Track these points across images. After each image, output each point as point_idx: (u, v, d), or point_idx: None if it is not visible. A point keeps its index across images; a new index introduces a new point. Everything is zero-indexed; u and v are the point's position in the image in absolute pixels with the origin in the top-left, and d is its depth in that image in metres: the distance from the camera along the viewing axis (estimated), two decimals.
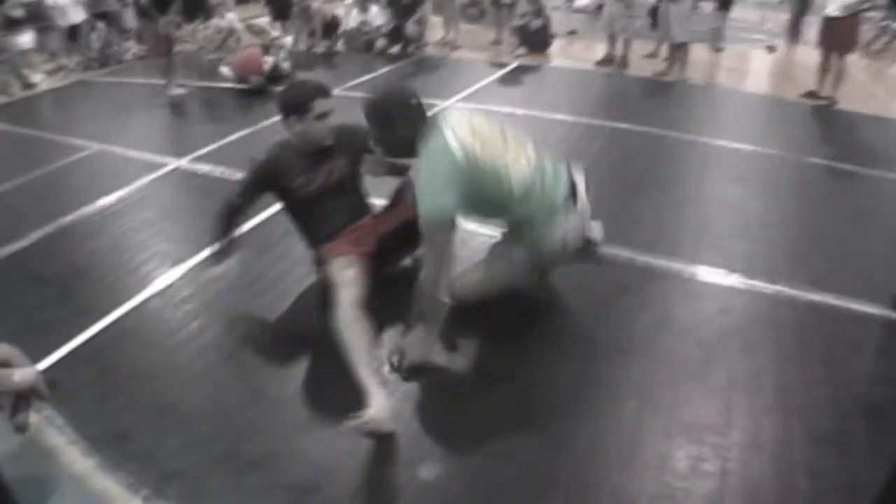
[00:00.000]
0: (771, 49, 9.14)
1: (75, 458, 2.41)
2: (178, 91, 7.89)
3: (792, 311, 3.05)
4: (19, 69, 8.96)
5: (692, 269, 3.37)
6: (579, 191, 2.84)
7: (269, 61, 7.79)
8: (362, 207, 3.24)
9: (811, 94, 6.49)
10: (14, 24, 8.76)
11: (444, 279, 2.57)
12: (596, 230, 3.18)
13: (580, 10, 12.75)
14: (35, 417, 2.62)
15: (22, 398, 0.84)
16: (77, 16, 9.72)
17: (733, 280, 3.28)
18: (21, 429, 0.86)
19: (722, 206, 4.10)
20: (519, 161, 2.66)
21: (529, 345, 2.87)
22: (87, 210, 4.54)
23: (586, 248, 2.99)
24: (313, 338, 2.96)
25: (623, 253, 3.51)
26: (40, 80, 9.22)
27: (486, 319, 3.01)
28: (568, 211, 2.74)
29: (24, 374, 0.79)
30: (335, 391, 2.62)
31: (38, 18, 9.25)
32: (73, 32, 9.76)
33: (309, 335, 3.01)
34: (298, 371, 2.80)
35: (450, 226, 2.51)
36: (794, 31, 9.49)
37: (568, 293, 3.19)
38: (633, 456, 2.29)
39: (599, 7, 11.74)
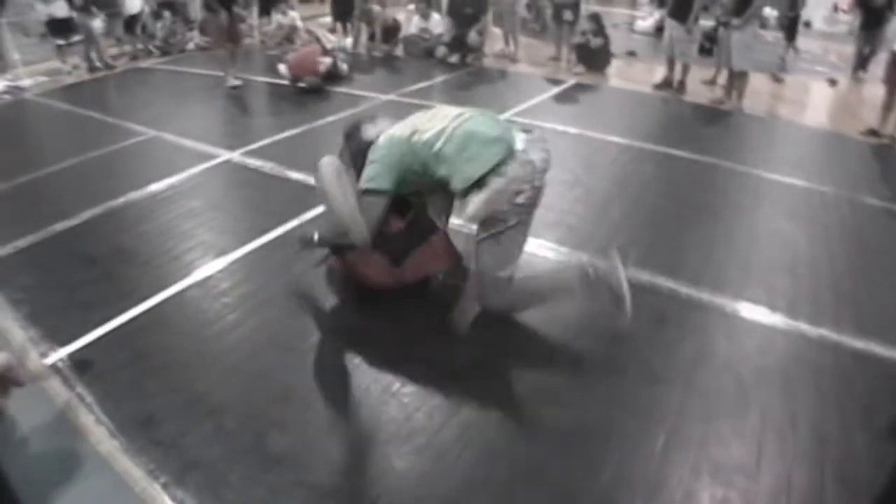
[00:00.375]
0: (833, 82, 8.90)
1: (102, 438, 2.45)
2: (234, 83, 8.04)
3: (834, 356, 2.94)
4: (99, 47, 9.35)
5: (735, 305, 3.28)
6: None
7: (325, 62, 7.87)
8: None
9: (872, 132, 6.29)
10: (89, 8, 9.08)
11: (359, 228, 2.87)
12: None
13: (641, 33, 12.62)
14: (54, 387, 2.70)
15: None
16: (135, 6, 9.99)
17: (776, 319, 3.19)
18: None
19: (770, 241, 4.00)
20: (430, 127, 2.92)
21: (564, 367, 2.84)
22: (137, 194, 4.65)
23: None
24: (348, 341, 3.00)
25: (666, 283, 3.44)
26: (112, 62, 9.49)
27: (524, 340, 3.01)
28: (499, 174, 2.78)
29: None
30: (364, 396, 2.64)
31: (108, 4, 9.54)
32: (131, 22, 10.01)
33: (344, 339, 3.03)
34: (329, 373, 2.81)
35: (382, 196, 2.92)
36: (859, 65, 9.25)
37: (607, 319, 3.13)
38: (658, 489, 2.23)
39: (660, 30, 11.67)
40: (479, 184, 2.76)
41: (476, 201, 2.78)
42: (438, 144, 2.84)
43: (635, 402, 2.63)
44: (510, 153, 2.78)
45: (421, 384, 2.72)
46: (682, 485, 2.24)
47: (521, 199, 2.79)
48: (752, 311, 3.24)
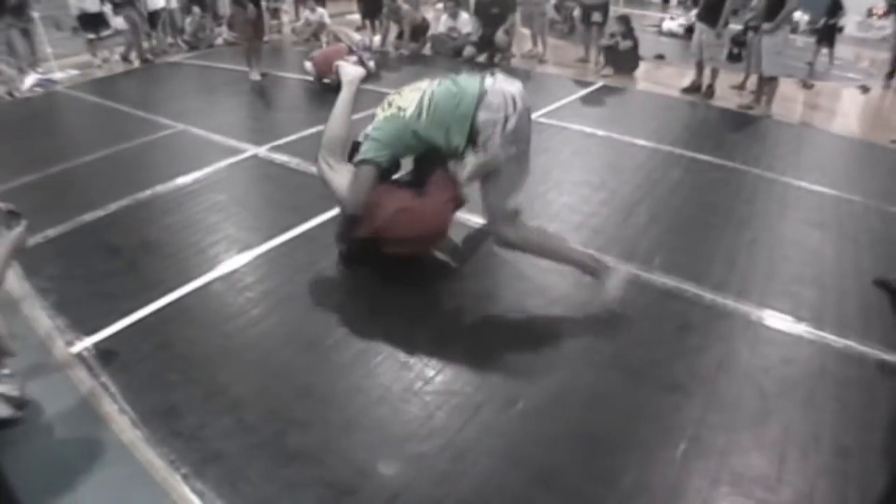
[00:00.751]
0: (865, 90, 8.76)
1: (124, 427, 2.48)
2: (256, 77, 8.10)
3: (859, 369, 2.89)
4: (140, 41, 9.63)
5: (759, 313, 3.24)
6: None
7: (351, 61, 7.88)
8: None
9: None
10: (134, 2, 9.32)
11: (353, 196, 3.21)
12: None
13: (670, 34, 12.52)
14: (78, 375, 2.74)
15: None
16: (157, 2, 10.12)
17: (801, 329, 3.14)
18: None
19: (797, 249, 3.94)
20: (410, 101, 3.20)
21: (585, 373, 2.82)
22: (164, 187, 4.70)
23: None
24: (370, 339, 3.00)
25: (690, 289, 3.41)
26: (134, 58, 9.61)
27: (547, 345, 3.00)
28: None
29: None
30: (385, 394, 2.65)
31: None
32: (153, 17, 10.10)
33: (367, 337, 3.03)
34: (350, 371, 2.81)
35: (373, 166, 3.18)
36: (892, 72, 9.09)
37: (630, 325, 3.12)
38: (676, 498, 2.22)
39: (689, 31, 11.57)
40: (470, 142, 3.08)
41: (471, 164, 3.09)
42: (423, 116, 3.13)
43: (656, 409, 2.61)
44: (480, 95, 3.04)
45: (442, 384, 2.72)
46: (702, 494, 2.22)
47: (510, 126, 3.02)
48: (776, 320, 3.20)
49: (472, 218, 3.90)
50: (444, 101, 3.12)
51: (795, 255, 3.86)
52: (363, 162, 3.18)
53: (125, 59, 9.54)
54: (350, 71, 3.72)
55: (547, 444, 2.43)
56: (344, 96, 3.58)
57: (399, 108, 3.21)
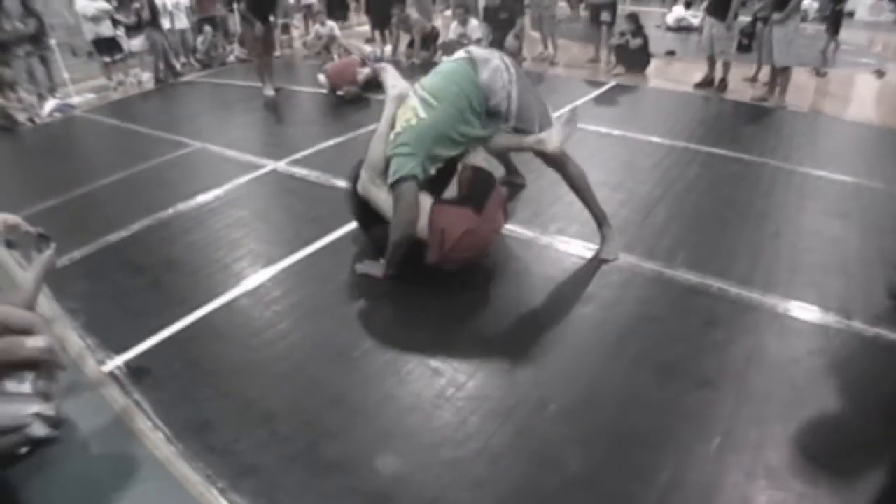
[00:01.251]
0: (880, 74, 8.65)
1: (158, 443, 2.51)
2: (271, 93, 8.17)
3: (891, 357, 2.87)
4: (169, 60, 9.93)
5: (786, 305, 3.22)
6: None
7: (363, 72, 7.93)
8: None
9: None
10: (157, 23, 9.61)
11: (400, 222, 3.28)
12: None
13: (674, 29, 12.47)
14: (111, 393, 2.77)
15: (42, 367, 0.84)
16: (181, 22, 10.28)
17: (829, 319, 3.12)
18: (44, 396, 0.88)
19: (820, 240, 3.91)
20: (409, 111, 3.39)
21: (616, 372, 2.81)
22: (185, 205, 4.75)
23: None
24: (399, 348, 3.02)
25: (715, 284, 3.39)
26: (147, 79, 9.75)
27: (576, 345, 3.01)
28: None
29: (37, 341, 0.79)
30: (416, 401, 2.66)
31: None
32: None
33: (395, 346, 3.04)
34: (380, 380, 2.82)
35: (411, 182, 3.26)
36: None
37: (657, 322, 3.11)
38: (713, 494, 2.20)
39: (688, 28, 11.54)
40: (490, 113, 3.39)
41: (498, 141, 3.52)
42: (431, 110, 3.30)
43: (688, 405, 2.60)
44: (469, 60, 3.37)
45: (474, 389, 2.72)
46: (739, 489, 2.21)
47: (513, 74, 3.36)
48: (803, 312, 3.17)
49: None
50: (440, 85, 3.36)
51: (819, 245, 3.83)
52: (398, 182, 3.23)
53: (157, 80, 9.79)
54: (399, 84, 3.64)
55: (581, 445, 2.42)
56: (388, 114, 3.50)
57: (406, 121, 3.32)
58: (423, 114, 3.30)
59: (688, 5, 13.48)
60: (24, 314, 0.87)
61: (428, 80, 3.47)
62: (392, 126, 3.42)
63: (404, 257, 3.41)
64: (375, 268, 3.55)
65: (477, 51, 3.48)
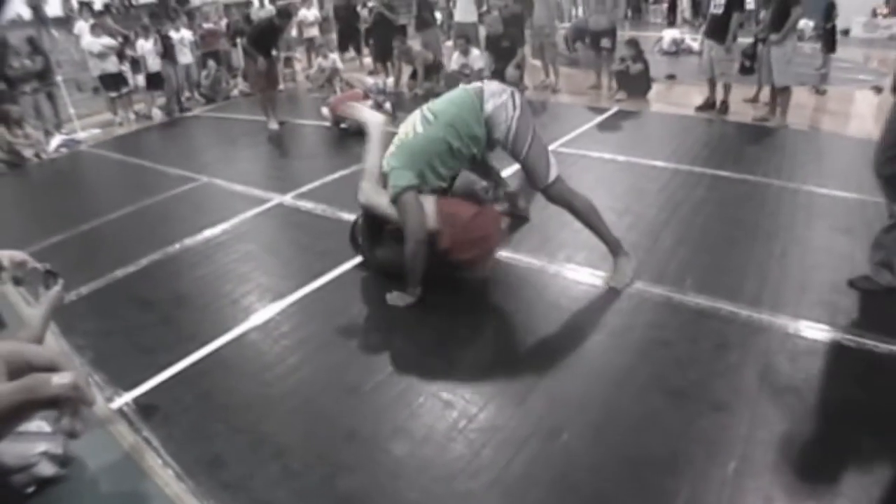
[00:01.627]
0: (878, 90, 8.67)
1: (169, 480, 2.50)
2: (275, 126, 8.24)
3: None
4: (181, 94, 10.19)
5: (796, 325, 3.20)
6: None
7: (367, 105, 7.98)
8: None
9: None
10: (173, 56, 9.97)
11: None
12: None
13: (671, 53, 12.53)
14: (120, 431, 2.76)
15: (67, 403, 0.82)
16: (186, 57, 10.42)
17: (840, 337, 3.09)
18: (71, 434, 0.85)
19: (828, 257, 3.89)
20: (407, 126, 3.66)
21: (628, 398, 2.78)
22: (192, 240, 4.78)
23: None
24: (410, 381, 3.00)
25: (725, 306, 3.38)
26: (156, 113, 9.87)
27: (588, 371, 2.99)
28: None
29: (63, 378, 0.77)
30: (430, 434, 2.64)
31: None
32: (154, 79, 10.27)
33: (406, 378, 3.03)
34: (393, 413, 2.80)
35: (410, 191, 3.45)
36: None
37: (668, 347, 3.09)
38: None
39: (688, 51, 11.60)
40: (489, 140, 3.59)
41: None
42: (428, 126, 3.53)
43: (702, 429, 2.58)
44: (478, 89, 3.58)
45: (486, 420, 2.70)
46: None
47: (518, 103, 3.54)
48: (814, 331, 3.15)
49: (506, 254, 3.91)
50: (441, 106, 3.62)
51: (827, 262, 3.82)
52: (398, 194, 3.42)
53: (169, 113, 9.98)
54: (369, 117, 3.93)
55: (596, 472, 2.40)
56: (374, 139, 3.74)
57: (405, 134, 3.59)
58: (420, 129, 3.55)
59: (671, 24, 13.56)
60: (46, 351, 0.86)
61: (436, 102, 3.70)
62: (382, 145, 3.69)
63: (423, 272, 3.52)
64: (405, 297, 3.60)
65: (491, 84, 3.64)
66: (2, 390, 0.71)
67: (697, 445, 2.50)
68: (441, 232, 3.45)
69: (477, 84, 3.67)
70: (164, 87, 9.95)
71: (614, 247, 3.70)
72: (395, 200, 3.44)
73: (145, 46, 9.75)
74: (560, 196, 3.62)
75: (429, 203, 3.49)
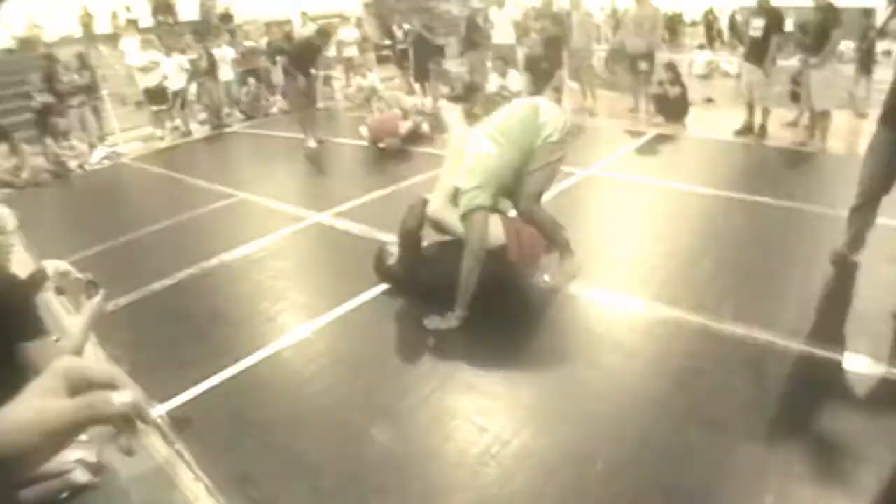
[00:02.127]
0: None
1: (200, 495, 2.51)
2: (314, 144, 8.33)
3: None
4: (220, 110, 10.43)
5: (838, 356, 3.12)
6: None
7: (405, 125, 8.04)
8: None
9: None
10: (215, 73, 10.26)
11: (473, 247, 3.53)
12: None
13: (705, 77, 12.42)
14: (154, 443, 2.78)
15: (125, 421, 0.82)
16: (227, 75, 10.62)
17: (883, 370, 3.00)
18: (127, 452, 0.85)
19: (871, 287, 3.79)
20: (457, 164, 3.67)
21: (664, 428, 2.74)
22: (229, 255, 4.83)
23: None
24: (445, 403, 2.99)
25: (763, 335, 3.31)
26: (196, 129, 10.07)
27: (623, 398, 2.95)
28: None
29: (123, 396, 0.77)
30: (462, 458, 2.62)
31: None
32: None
33: (441, 400, 3.02)
34: (427, 435, 2.79)
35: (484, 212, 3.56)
36: None
37: (705, 376, 3.04)
38: None
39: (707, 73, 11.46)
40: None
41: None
42: (501, 145, 3.61)
43: (739, 461, 2.52)
44: (536, 103, 3.81)
45: (520, 446, 2.67)
46: None
47: (555, 137, 3.69)
48: (857, 363, 3.06)
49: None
50: (506, 125, 3.72)
51: (870, 292, 3.72)
52: (472, 211, 3.50)
53: (213, 127, 10.23)
54: (460, 122, 4.21)
55: (630, 502, 2.36)
56: (456, 145, 3.82)
57: (476, 155, 3.59)
58: (493, 150, 3.60)
59: (702, 46, 13.48)
60: (103, 367, 0.87)
61: (495, 118, 3.81)
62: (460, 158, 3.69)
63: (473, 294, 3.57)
64: (445, 321, 3.58)
65: (542, 100, 3.93)
66: (64, 407, 0.72)
67: (733, 478, 2.45)
68: (509, 246, 3.69)
69: (528, 100, 3.90)
70: (169, 102, 10.07)
71: (563, 252, 4.00)
72: (464, 217, 3.51)
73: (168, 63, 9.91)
74: (531, 214, 3.87)
75: (495, 222, 3.63)
